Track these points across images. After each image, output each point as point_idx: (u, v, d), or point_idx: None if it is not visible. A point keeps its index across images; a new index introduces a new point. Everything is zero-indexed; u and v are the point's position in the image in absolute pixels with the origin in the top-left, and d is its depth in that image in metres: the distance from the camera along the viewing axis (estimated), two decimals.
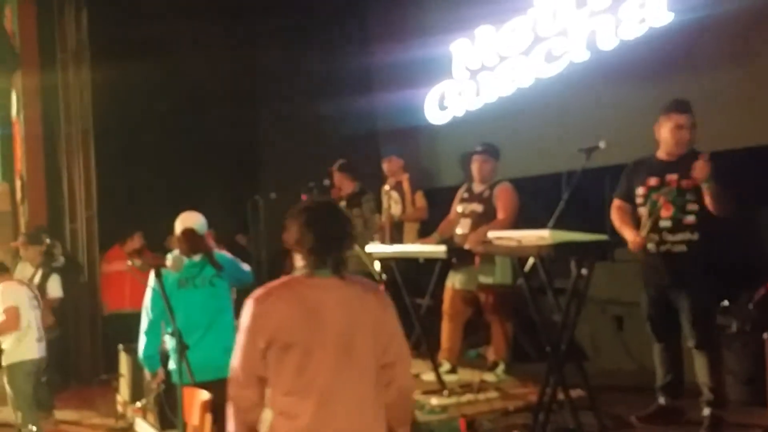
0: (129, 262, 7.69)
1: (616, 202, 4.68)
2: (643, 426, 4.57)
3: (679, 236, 4.33)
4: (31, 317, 5.82)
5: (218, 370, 4.18)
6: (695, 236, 4.31)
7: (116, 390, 7.07)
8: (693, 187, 4.26)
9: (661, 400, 4.62)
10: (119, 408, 7.12)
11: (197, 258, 4.37)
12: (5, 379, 5.80)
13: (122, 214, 8.58)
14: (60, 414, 6.89)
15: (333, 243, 2.61)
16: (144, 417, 6.50)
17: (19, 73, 8.99)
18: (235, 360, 2.59)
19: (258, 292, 2.63)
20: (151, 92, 8.70)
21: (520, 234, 4.35)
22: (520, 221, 5.47)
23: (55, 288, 7.23)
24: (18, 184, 9.40)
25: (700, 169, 4.15)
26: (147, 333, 4.42)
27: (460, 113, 8.02)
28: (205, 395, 3.77)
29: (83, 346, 8.55)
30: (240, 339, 2.58)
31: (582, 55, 6.56)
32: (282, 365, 2.50)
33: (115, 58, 8.40)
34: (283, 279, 2.67)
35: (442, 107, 8.23)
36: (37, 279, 7.04)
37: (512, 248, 4.44)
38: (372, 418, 2.54)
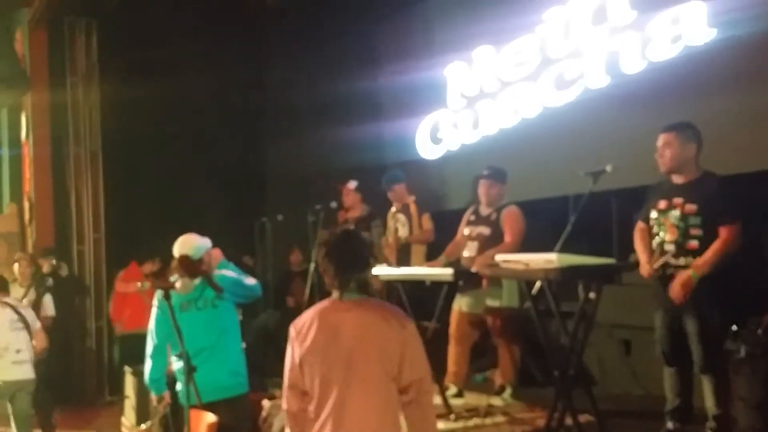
0: (138, 284, 7.70)
1: (639, 225, 4.65)
2: None
3: (682, 260, 4.30)
4: (11, 339, 5.81)
5: (223, 391, 4.19)
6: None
7: (121, 412, 7.05)
8: (696, 212, 4.25)
9: (670, 425, 4.57)
10: (124, 431, 7.10)
11: (197, 281, 4.36)
12: None
13: (129, 236, 8.61)
14: None
15: (352, 268, 2.89)
16: None
17: (29, 95, 9.06)
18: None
19: (299, 318, 2.96)
20: (159, 113, 8.76)
21: (527, 257, 4.34)
22: (527, 244, 5.45)
23: (49, 307, 7.24)
24: (26, 205, 9.44)
25: (675, 293, 4.19)
26: (152, 356, 4.41)
27: (454, 147, 7.51)
28: (211, 417, 3.77)
29: (89, 367, 8.54)
30: (286, 356, 2.93)
31: (600, 81, 5.89)
32: (312, 380, 2.81)
33: (123, 80, 8.49)
34: (319, 303, 2.98)
35: (436, 140, 7.70)
36: (30, 298, 7.05)
37: (519, 271, 4.43)
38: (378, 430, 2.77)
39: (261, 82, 9.74)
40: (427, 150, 7.88)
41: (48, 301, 7.29)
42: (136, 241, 8.44)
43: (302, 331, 2.86)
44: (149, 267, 8.18)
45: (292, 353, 2.88)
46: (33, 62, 8.99)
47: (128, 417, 7.07)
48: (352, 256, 2.90)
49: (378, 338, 2.79)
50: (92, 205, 8.81)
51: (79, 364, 8.50)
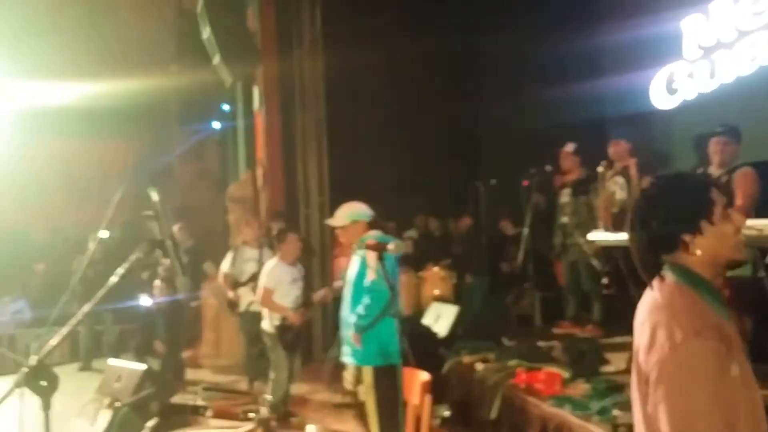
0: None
1: None
2: None
3: None
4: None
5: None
6: None
7: (344, 369, 7.43)
8: None
9: None
10: (346, 386, 7.48)
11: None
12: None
13: (351, 200, 8.97)
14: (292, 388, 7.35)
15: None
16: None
17: (261, 69, 9.69)
18: None
19: None
20: (379, 82, 9.03)
21: (761, 223, 3.99)
22: (760, 209, 5.01)
23: None
24: (259, 171, 10.13)
25: None
26: (371, 307, 4.60)
27: (690, 96, 7.36)
28: (425, 376, 3.86)
29: (315, 326, 9.05)
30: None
31: None
32: None
33: (345, 50, 8.80)
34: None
35: (671, 91, 7.59)
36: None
37: (752, 238, 4.09)
38: None
39: (475, 43, 9.69)
40: (661, 100, 7.70)
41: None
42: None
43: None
44: None
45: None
46: (263, 36, 9.60)
47: (350, 372, 7.44)
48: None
49: None
50: (318, 170, 9.29)
51: (306, 322, 9.04)
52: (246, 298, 7.37)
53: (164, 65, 11.33)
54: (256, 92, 10.16)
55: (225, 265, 7.68)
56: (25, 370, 2.15)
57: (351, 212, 4.93)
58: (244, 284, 7.45)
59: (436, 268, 7.57)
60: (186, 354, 9.49)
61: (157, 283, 7.78)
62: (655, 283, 2.09)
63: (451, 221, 9.14)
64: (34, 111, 11.06)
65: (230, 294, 7.57)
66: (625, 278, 5.42)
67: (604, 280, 6.40)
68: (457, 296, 7.71)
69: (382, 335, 4.60)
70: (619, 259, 5.60)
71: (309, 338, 8.91)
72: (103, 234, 9.53)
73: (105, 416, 5.39)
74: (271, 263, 6.54)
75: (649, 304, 2.08)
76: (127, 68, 10.69)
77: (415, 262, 8.31)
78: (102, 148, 13.20)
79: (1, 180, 12.42)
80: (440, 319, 7.15)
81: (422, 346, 5.80)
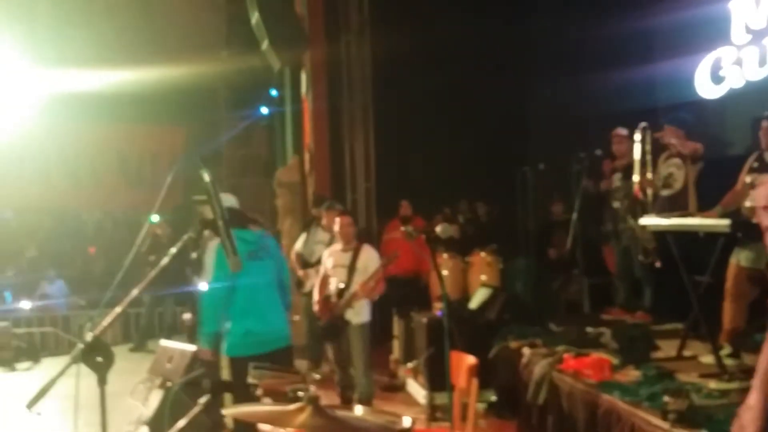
0: (402, 228, 8.07)
1: None
2: None
3: None
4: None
5: None
6: None
7: (390, 351, 7.46)
8: None
9: None
10: (392, 367, 7.52)
11: None
12: None
13: (397, 185, 9.00)
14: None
15: None
16: (414, 378, 6.82)
17: (308, 54, 9.73)
18: None
19: None
20: (426, 66, 9.00)
21: None
22: None
23: None
24: (306, 156, 10.20)
25: None
26: None
27: (738, 84, 6.96)
28: (471, 360, 3.86)
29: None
30: None
31: None
32: None
33: (393, 36, 8.79)
34: None
35: (717, 79, 7.20)
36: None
37: None
38: None
39: (527, 28, 9.59)
40: (707, 89, 7.37)
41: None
42: (402, 189, 8.79)
43: None
44: (402, 212, 8.46)
45: None
46: (311, 22, 9.63)
47: (396, 355, 7.48)
48: None
49: None
50: (364, 156, 9.32)
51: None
52: (312, 279, 7.39)
53: (214, 51, 11.44)
54: (303, 77, 10.21)
55: (298, 245, 7.87)
56: (81, 345, 2.19)
57: None
58: (312, 265, 7.51)
59: (482, 254, 7.53)
60: None
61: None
62: None
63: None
64: (87, 96, 11.27)
65: (300, 272, 7.71)
66: (677, 261, 5.35)
67: (657, 264, 6.29)
68: (503, 282, 7.66)
69: None
70: (671, 245, 5.49)
71: None
72: (155, 218, 9.74)
73: (156, 396, 5.51)
74: (335, 247, 6.41)
75: None
76: (177, 54, 10.82)
77: (461, 247, 8.28)
78: (152, 132, 13.43)
79: (55, 164, 12.74)
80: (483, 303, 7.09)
81: (469, 331, 5.79)
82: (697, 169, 6.38)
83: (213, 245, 4.61)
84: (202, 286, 4.69)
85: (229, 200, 4.71)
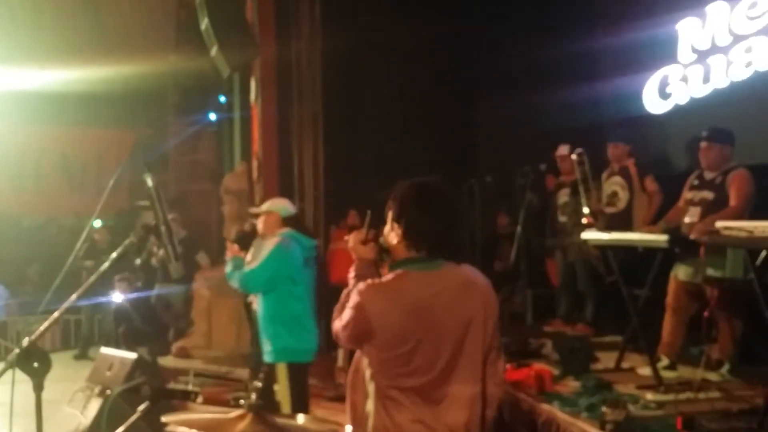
0: (346, 238, 8.09)
1: None
2: None
3: None
4: None
5: None
6: None
7: (335, 360, 7.44)
8: None
9: None
10: (336, 375, 7.50)
11: None
12: None
13: (345, 194, 9.00)
14: None
15: (451, 229, 2.54)
16: None
17: (258, 60, 9.67)
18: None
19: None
20: (376, 76, 9.04)
21: (751, 224, 4.02)
22: (757, 212, 5.04)
23: None
24: (255, 163, 10.13)
25: None
26: None
27: (683, 101, 7.24)
28: None
29: None
30: None
31: None
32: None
33: (343, 44, 8.80)
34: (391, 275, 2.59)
35: (664, 95, 7.45)
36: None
37: (742, 239, 4.12)
38: (477, 415, 2.56)
39: (475, 42, 9.70)
40: (654, 104, 7.63)
41: None
42: (351, 199, 8.80)
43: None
44: (348, 222, 8.48)
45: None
46: (261, 29, 9.57)
47: (340, 363, 7.46)
48: (452, 216, 2.61)
49: (481, 313, 2.63)
50: (313, 164, 9.30)
51: None
52: None
53: (162, 55, 11.31)
54: (253, 84, 10.16)
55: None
56: (17, 350, 2.15)
57: (272, 203, 5.03)
58: None
59: None
60: (177, 345, 9.50)
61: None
62: None
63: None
64: (30, 97, 11.02)
65: None
66: (617, 275, 5.47)
67: (611, 278, 6.41)
68: None
69: None
70: (610, 259, 5.62)
71: None
72: (97, 223, 9.55)
73: (95, 404, 5.40)
74: None
75: None
76: (126, 56, 10.67)
77: None
78: (98, 136, 13.18)
79: None
80: None
81: None
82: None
83: (274, 240, 4.70)
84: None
85: (287, 209, 4.91)
